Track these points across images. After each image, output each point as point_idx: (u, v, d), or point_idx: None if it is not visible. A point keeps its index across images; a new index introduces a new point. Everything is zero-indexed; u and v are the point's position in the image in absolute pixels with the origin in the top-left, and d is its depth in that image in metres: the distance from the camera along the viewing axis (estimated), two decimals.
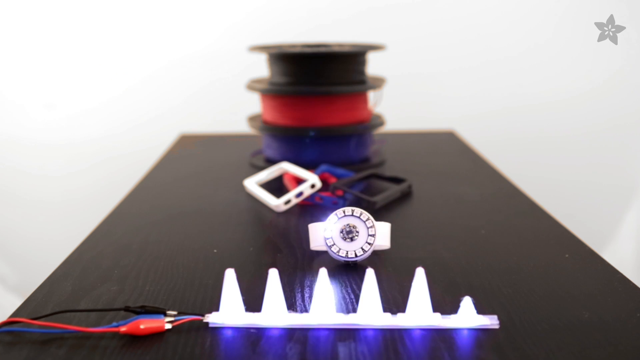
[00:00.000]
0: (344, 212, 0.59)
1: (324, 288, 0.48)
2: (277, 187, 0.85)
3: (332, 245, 0.59)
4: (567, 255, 0.61)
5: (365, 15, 1.42)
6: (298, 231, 0.69)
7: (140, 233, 0.69)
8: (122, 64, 1.44)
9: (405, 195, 0.82)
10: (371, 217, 0.59)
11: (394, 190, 0.80)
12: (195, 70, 1.44)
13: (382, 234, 0.60)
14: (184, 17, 1.42)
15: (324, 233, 0.59)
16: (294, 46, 0.97)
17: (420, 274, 0.47)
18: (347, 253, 0.59)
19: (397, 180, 0.85)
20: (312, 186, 0.76)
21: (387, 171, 0.93)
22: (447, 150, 1.09)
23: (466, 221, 0.72)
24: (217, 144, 1.16)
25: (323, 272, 0.47)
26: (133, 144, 1.44)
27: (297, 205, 0.77)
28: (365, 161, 0.97)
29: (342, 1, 1.41)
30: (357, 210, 0.59)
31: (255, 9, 1.41)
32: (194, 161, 1.03)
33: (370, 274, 0.47)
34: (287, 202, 0.75)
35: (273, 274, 0.47)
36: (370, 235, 0.59)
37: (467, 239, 0.66)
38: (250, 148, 1.08)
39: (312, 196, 0.77)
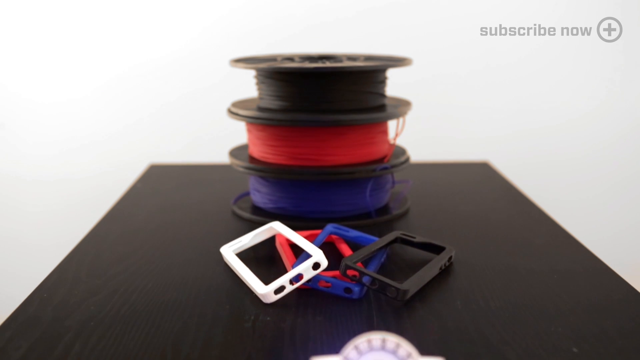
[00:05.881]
0: (369, 343, 0.36)
1: None
2: (267, 254, 0.62)
3: None
4: None
5: (370, 20, 1.18)
6: (294, 342, 0.46)
7: (62, 342, 0.45)
8: (79, 74, 1.20)
9: (444, 270, 0.59)
10: (413, 352, 0.36)
11: (430, 266, 0.56)
12: (169, 84, 1.20)
13: None
14: (158, 19, 1.18)
15: None
16: (290, 59, 0.74)
17: None
18: None
19: (432, 247, 0.61)
20: (316, 266, 0.53)
21: (411, 225, 0.70)
22: (487, 191, 0.86)
23: (544, 326, 0.48)
24: (193, 177, 0.93)
25: None
26: (92, 175, 1.21)
27: (294, 291, 0.54)
28: (383, 211, 0.74)
29: (344, 2, 1.18)
30: (391, 341, 0.36)
31: (245, 10, 1.18)
32: (161, 203, 0.80)
33: None
34: (280, 289, 0.52)
35: None
36: None
37: None
38: (235, 184, 0.85)
39: (314, 279, 0.53)
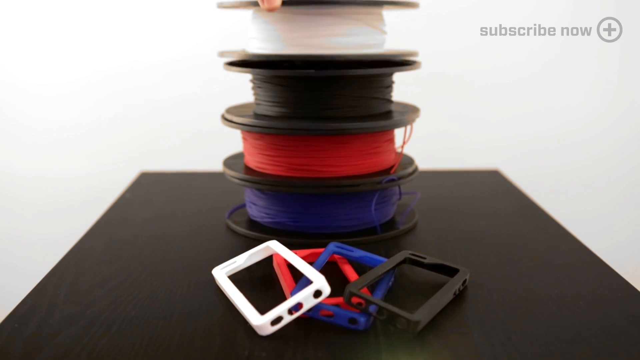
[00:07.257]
0: None
1: None
2: (263, 275, 0.57)
3: None
4: None
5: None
6: None
7: None
8: (73, 75, 1.15)
9: (458, 295, 0.53)
10: None
11: (443, 292, 0.51)
12: (162, 87, 1.15)
13: None
14: (152, 20, 1.13)
15: None
16: (289, 61, 0.69)
17: None
18: None
19: (444, 268, 0.56)
20: (317, 294, 0.47)
21: (420, 242, 0.64)
22: (499, 202, 0.80)
23: None
24: (186, 187, 0.87)
25: None
26: (81, 178, 1.15)
27: (293, 321, 0.48)
28: (389, 226, 0.68)
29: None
30: None
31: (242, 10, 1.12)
32: (150, 216, 0.75)
33: None
34: (277, 320, 0.46)
35: None
36: None
37: None
38: (230, 194, 0.80)
39: (315, 308, 0.48)
